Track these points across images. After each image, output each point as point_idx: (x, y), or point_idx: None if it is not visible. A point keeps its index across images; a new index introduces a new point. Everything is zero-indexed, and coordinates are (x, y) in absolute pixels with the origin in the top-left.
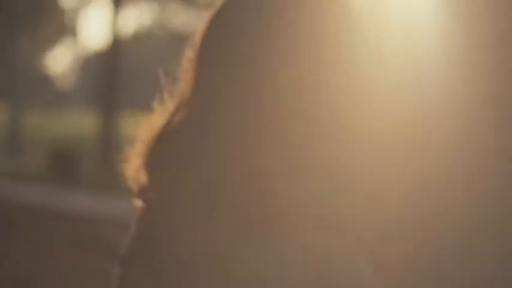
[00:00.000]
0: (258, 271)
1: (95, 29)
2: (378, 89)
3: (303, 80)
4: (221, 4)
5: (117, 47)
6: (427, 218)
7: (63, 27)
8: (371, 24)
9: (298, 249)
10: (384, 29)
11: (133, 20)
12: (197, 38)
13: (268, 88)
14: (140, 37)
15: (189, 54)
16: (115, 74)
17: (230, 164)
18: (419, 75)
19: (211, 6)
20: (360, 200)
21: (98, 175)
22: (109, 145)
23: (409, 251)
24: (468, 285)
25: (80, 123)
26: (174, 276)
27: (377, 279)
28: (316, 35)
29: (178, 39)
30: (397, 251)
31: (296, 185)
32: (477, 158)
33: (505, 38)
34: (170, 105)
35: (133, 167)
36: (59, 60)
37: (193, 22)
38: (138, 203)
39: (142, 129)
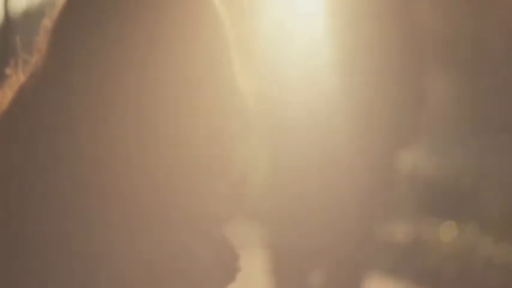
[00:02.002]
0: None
1: None
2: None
3: (148, 78)
4: None
5: (9, 25)
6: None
7: None
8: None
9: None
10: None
11: None
12: (58, 9)
13: (117, 74)
14: (31, 15)
15: (47, 24)
16: (7, 52)
17: (79, 142)
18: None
19: None
20: (204, 197)
21: None
22: None
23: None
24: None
25: None
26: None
27: (219, 271)
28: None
29: None
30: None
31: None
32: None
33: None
34: (22, 76)
35: None
36: None
37: None
38: None
39: None
